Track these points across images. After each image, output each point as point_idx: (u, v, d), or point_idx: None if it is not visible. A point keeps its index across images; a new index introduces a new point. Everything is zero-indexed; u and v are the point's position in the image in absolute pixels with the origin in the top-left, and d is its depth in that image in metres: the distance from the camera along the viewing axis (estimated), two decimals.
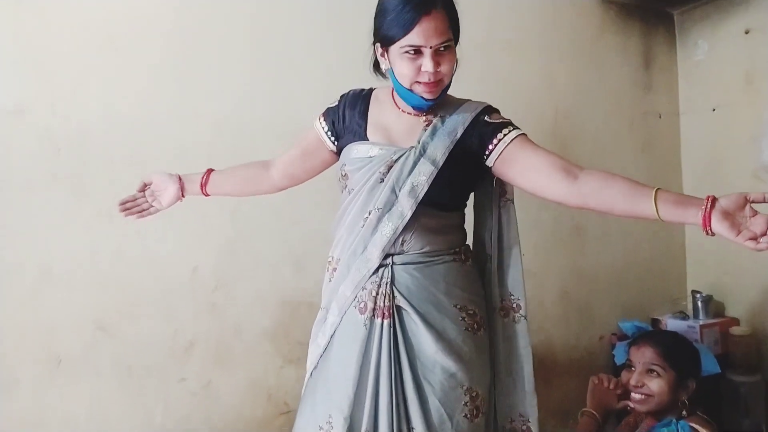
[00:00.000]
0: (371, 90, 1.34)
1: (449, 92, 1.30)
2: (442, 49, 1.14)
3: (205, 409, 1.87)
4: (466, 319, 1.21)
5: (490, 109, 1.27)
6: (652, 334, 1.71)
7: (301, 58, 2.05)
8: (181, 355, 1.85)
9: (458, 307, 1.21)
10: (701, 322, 2.54)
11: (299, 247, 2.02)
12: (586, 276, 2.63)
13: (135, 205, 1.45)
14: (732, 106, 2.69)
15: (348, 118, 1.29)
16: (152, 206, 1.46)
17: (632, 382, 1.56)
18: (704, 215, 0.94)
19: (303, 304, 1.99)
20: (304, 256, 2.01)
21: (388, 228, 1.18)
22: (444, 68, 1.16)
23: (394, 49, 1.16)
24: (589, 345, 2.62)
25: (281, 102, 2.01)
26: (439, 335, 1.17)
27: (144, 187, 1.47)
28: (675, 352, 1.54)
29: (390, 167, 1.19)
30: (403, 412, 1.15)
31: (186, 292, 1.87)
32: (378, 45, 1.22)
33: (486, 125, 1.22)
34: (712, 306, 2.63)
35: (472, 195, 1.37)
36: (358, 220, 1.21)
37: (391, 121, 1.27)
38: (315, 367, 1.27)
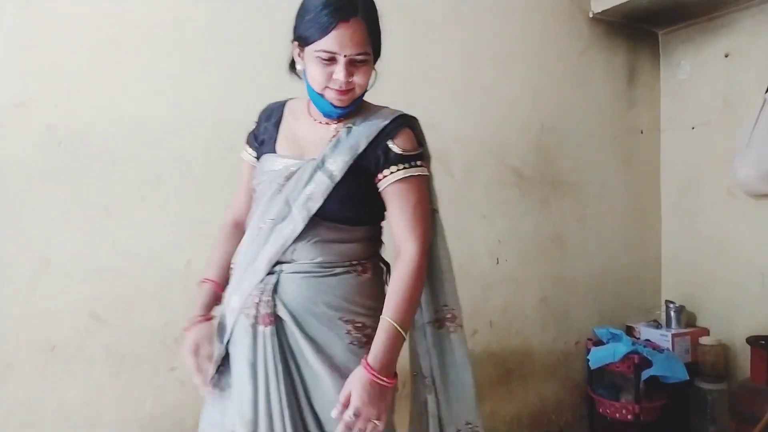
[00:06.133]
0: (286, 101, 1.32)
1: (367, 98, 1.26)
2: (358, 61, 1.12)
3: (193, 398, 1.92)
4: (352, 332, 1.15)
5: (399, 127, 1.19)
6: None
7: None
8: (172, 345, 1.92)
9: (344, 320, 1.15)
10: (673, 331, 2.65)
11: None
12: (565, 283, 2.72)
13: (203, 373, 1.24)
14: (710, 126, 2.81)
15: (263, 130, 1.28)
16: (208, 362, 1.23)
17: None
18: (380, 379, 1.07)
19: None
20: None
21: (279, 240, 1.15)
22: (357, 79, 1.13)
23: (309, 50, 1.13)
24: (565, 349, 2.71)
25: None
26: (319, 348, 1.13)
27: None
28: None
29: (288, 178, 1.17)
30: (298, 420, 1.12)
31: (179, 285, 1.93)
32: (295, 43, 1.18)
33: (386, 151, 1.17)
34: (684, 316, 2.74)
35: None
36: (255, 230, 1.19)
37: (302, 131, 1.24)
38: (220, 366, 1.22)
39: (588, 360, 2.61)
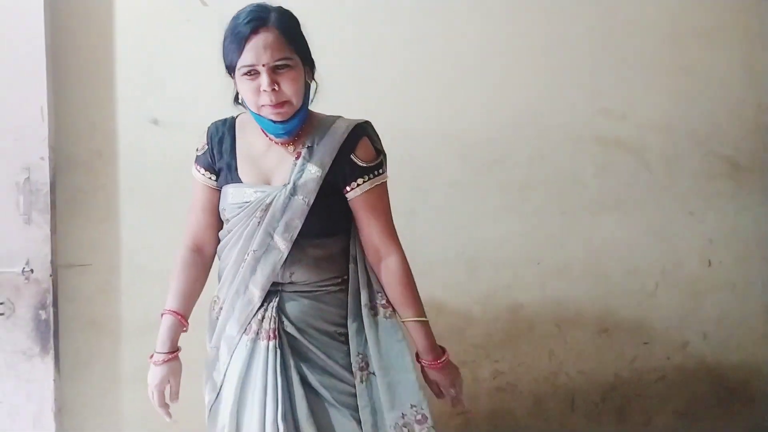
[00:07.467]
0: (234, 119, 1.32)
1: (319, 110, 1.30)
2: (280, 68, 1.14)
3: None
4: (344, 342, 1.28)
5: (358, 138, 1.25)
6: None
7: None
8: None
9: (338, 332, 1.28)
10: None
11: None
12: None
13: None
14: None
15: (218, 157, 1.29)
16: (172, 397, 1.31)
17: None
18: (440, 362, 1.29)
19: None
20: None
21: (267, 268, 1.22)
22: (285, 88, 1.15)
23: (237, 75, 1.17)
24: None
25: None
26: (328, 355, 1.25)
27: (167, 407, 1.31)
28: None
29: (265, 210, 1.22)
30: (291, 423, 1.19)
31: None
32: (230, 75, 1.21)
33: (350, 165, 1.25)
34: None
35: None
36: (240, 262, 1.24)
37: (260, 153, 1.27)
38: (212, 405, 1.29)
39: None
